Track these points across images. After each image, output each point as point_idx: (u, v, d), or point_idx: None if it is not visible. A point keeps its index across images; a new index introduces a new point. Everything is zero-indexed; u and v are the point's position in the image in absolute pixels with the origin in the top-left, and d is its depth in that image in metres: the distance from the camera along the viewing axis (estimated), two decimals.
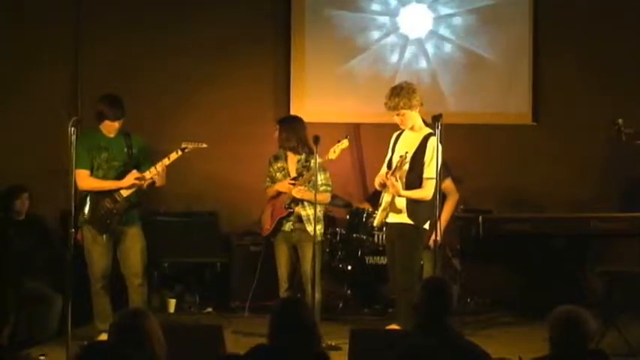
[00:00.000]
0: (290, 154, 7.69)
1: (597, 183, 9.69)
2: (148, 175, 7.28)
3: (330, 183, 7.60)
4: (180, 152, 7.24)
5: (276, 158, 7.75)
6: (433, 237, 6.95)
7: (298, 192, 7.47)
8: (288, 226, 7.57)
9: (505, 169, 9.71)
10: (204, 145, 7.35)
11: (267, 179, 7.76)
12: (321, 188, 7.38)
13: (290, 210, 7.54)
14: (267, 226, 7.67)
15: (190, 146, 7.27)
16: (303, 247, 7.50)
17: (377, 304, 8.72)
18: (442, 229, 7.94)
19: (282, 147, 7.72)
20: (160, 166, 7.26)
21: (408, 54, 9.77)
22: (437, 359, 3.85)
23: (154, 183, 7.36)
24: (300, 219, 7.52)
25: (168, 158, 7.25)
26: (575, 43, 9.78)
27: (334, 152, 7.30)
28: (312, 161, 7.39)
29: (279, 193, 7.62)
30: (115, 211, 7.27)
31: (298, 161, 7.64)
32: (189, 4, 9.57)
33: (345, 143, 7.32)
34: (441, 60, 9.78)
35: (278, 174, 7.68)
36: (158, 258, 8.61)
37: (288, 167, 7.67)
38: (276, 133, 7.74)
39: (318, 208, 7.27)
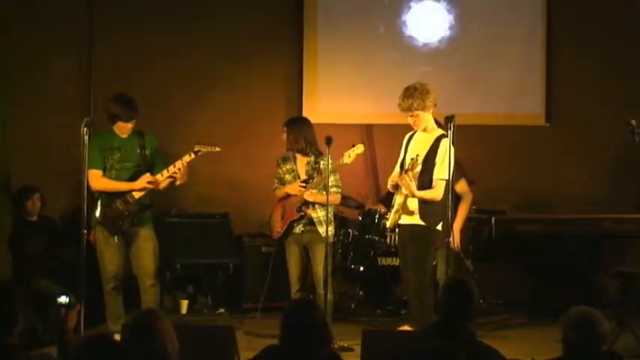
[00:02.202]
0: (299, 156, 7.65)
1: (611, 184, 9.68)
2: (159, 178, 7.28)
3: (339, 184, 7.56)
4: (193, 155, 7.23)
5: (285, 160, 7.70)
6: (447, 238, 6.94)
7: (310, 195, 7.43)
8: (298, 229, 7.54)
9: (518, 170, 9.72)
10: (218, 149, 7.32)
11: (275, 181, 7.71)
12: (332, 189, 7.32)
13: (302, 213, 7.50)
14: (278, 228, 7.63)
15: (204, 149, 7.25)
16: (315, 249, 7.47)
17: (389, 305, 8.71)
18: (457, 231, 7.95)
19: (291, 149, 7.67)
20: (171, 170, 7.26)
21: (421, 54, 9.78)
22: None
23: (173, 182, 7.35)
24: (311, 221, 7.50)
25: (181, 161, 7.23)
26: (589, 43, 9.77)
27: (349, 157, 7.26)
28: (323, 163, 7.39)
29: (288, 195, 7.59)
30: (126, 212, 7.27)
31: (307, 163, 7.60)
32: (201, 2, 9.58)
33: (360, 148, 7.29)
34: (453, 60, 9.78)
35: (287, 176, 7.64)
36: (170, 259, 8.59)
37: (298, 169, 7.63)
38: (284, 136, 7.72)
39: (329, 209, 7.26)
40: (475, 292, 4.87)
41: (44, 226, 8.17)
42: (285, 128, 7.74)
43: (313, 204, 7.47)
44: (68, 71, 9.32)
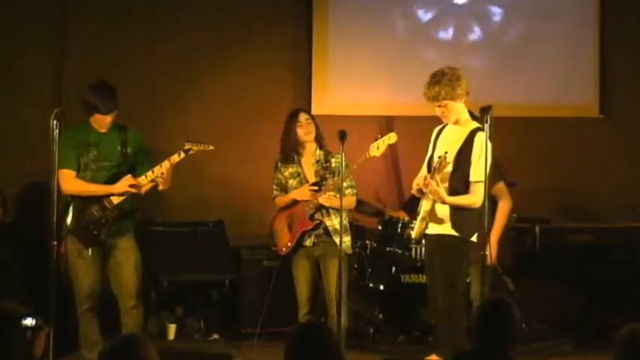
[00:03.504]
0: (303, 158, 7.61)
1: None
2: (143, 180, 7.26)
3: (354, 184, 7.53)
4: (182, 154, 7.22)
5: (286, 162, 7.64)
6: (482, 252, 6.86)
7: (327, 199, 7.37)
8: (310, 241, 7.51)
9: (566, 170, 9.76)
10: (211, 147, 7.32)
11: (275, 187, 7.67)
12: (346, 191, 7.30)
13: (317, 221, 7.44)
14: (287, 242, 7.56)
15: (195, 148, 7.24)
16: (329, 263, 7.42)
17: (414, 330, 8.67)
18: (495, 242, 7.87)
19: (314, 140, 7.56)
20: (158, 171, 7.24)
21: (450, 34, 9.77)
22: None
23: (156, 186, 7.33)
24: (326, 231, 7.45)
25: (169, 161, 7.21)
26: None
27: (378, 148, 7.17)
28: (335, 161, 7.40)
29: (293, 203, 7.54)
30: (103, 220, 7.25)
31: (317, 162, 7.58)
32: None
33: (392, 137, 7.21)
34: (490, 42, 9.85)
35: (292, 180, 7.60)
36: (156, 275, 8.65)
37: (304, 171, 7.60)
38: (303, 126, 7.57)
39: (344, 215, 7.17)
40: (516, 314, 4.85)
41: (10, 235, 8.16)
42: (308, 117, 7.65)
43: (327, 210, 7.43)
44: (37, 58, 9.40)
